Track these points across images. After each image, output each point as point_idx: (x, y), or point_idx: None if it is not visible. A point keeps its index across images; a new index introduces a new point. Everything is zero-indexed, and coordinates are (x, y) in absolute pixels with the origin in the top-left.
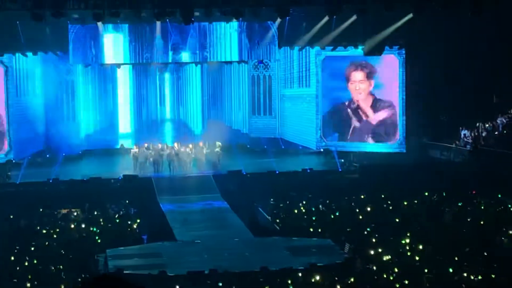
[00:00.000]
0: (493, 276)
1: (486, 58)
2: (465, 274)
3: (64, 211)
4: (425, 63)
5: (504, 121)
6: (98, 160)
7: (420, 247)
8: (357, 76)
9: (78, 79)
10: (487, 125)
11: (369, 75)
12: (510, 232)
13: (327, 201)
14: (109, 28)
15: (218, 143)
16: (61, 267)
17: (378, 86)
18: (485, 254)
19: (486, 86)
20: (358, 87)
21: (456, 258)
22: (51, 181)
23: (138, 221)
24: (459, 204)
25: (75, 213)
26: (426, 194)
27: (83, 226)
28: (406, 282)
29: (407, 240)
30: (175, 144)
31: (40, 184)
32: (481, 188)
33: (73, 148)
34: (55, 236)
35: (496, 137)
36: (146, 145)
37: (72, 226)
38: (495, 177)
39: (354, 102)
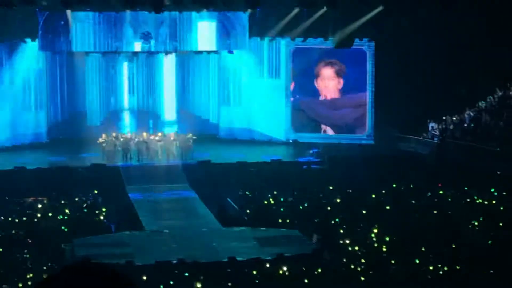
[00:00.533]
0: (458, 267)
1: (454, 52)
2: (431, 266)
3: (30, 199)
4: (395, 56)
5: (471, 114)
6: (66, 149)
7: (387, 238)
8: (327, 73)
9: (47, 67)
10: (454, 118)
11: (339, 73)
12: (476, 223)
13: (296, 192)
14: (78, 16)
15: (189, 133)
16: (27, 256)
17: (347, 78)
18: (453, 246)
19: (454, 79)
20: (327, 84)
21: (423, 250)
22: (17, 169)
23: (106, 210)
24: (427, 195)
25: (42, 202)
26: (394, 186)
27: (50, 215)
28: (373, 273)
29: (375, 232)
30: (144, 134)
31: (6, 172)
32: (448, 180)
33: (40, 136)
34: (21, 225)
35: (463, 130)
36: (114, 134)
37: (39, 215)
38: (461, 169)
39: (324, 95)
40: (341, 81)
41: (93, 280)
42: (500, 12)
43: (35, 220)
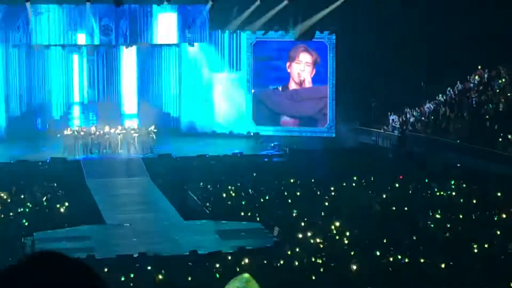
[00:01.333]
0: (420, 259)
1: (415, 45)
2: (391, 258)
3: None
4: (355, 48)
5: (432, 107)
6: (26, 143)
7: (348, 231)
8: (305, 58)
9: (6, 60)
10: (414, 111)
11: (314, 62)
12: (437, 216)
13: (257, 185)
14: (38, 8)
15: (149, 126)
16: None
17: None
18: (414, 238)
19: (415, 72)
20: (304, 68)
21: (384, 242)
22: None
23: (66, 204)
24: (388, 188)
25: (1, 196)
26: (355, 178)
27: (10, 209)
28: (334, 265)
29: (335, 224)
30: (105, 127)
31: None
32: (408, 172)
33: None
34: None
35: (423, 123)
36: (75, 127)
37: None
38: (422, 162)
39: (287, 87)
40: (314, 70)
41: (57, 271)
42: (460, 4)
43: None
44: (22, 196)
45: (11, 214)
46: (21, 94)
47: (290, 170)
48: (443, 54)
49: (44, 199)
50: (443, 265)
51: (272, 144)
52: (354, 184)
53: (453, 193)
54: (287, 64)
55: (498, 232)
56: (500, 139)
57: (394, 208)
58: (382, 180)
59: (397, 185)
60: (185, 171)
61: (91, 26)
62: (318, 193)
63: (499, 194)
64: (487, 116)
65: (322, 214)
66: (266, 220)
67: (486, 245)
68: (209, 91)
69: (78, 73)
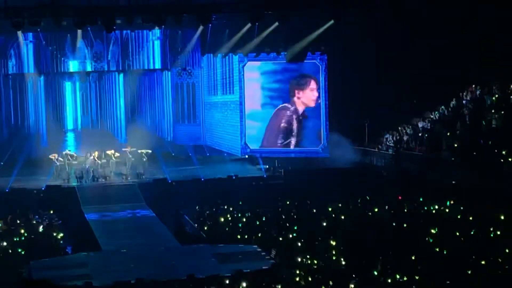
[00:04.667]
0: (417, 277)
1: (406, 64)
2: (389, 279)
3: None
4: (347, 68)
5: (425, 125)
6: (20, 170)
7: (345, 251)
8: (313, 85)
9: None
10: (408, 129)
11: (318, 87)
12: (433, 232)
13: (253, 207)
14: (30, 37)
15: (144, 151)
16: None
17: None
18: (412, 257)
19: (407, 90)
20: (313, 95)
21: (381, 262)
22: None
23: (62, 231)
24: (384, 207)
25: None
26: (350, 198)
27: (5, 238)
28: (332, 284)
29: (333, 245)
30: (98, 153)
31: None
32: (404, 191)
33: None
34: None
35: (418, 141)
36: (68, 154)
37: None
38: (417, 180)
39: (287, 107)
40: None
41: None
42: (450, 21)
43: None
44: (18, 224)
45: (5, 244)
46: (15, 122)
47: (285, 191)
48: (436, 71)
49: (40, 227)
50: (441, 283)
51: (267, 166)
52: (350, 204)
53: (449, 210)
54: (296, 92)
55: (495, 249)
56: (494, 156)
57: (391, 226)
58: (378, 199)
59: (393, 203)
60: (180, 195)
61: (83, 53)
62: (315, 213)
63: (494, 210)
64: (480, 133)
65: (319, 234)
66: (263, 242)
67: (483, 262)
68: (203, 115)
69: (71, 100)
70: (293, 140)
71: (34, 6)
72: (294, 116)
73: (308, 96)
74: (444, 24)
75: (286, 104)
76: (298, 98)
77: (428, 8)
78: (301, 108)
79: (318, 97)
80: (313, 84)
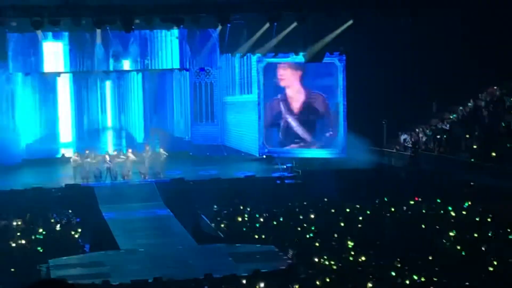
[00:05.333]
0: (434, 279)
1: (424, 64)
2: (407, 280)
3: (4, 222)
4: (365, 68)
5: (443, 126)
6: (39, 170)
7: (363, 252)
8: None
9: (18, 88)
10: (426, 130)
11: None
12: (451, 234)
13: (270, 207)
14: (49, 36)
15: (161, 151)
16: (2, 278)
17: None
18: (430, 258)
19: (425, 91)
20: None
21: (398, 262)
22: None
23: (80, 230)
24: (401, 208)
25: (16, 224)
26: (368, 199)
27: (24, 236)
28: (350, 285)
29: (350, 245)
30: (117, 152)
31: None
32: (422, 192)
33: (13, 157)
34: None
35: (436, 142)
36: (87, 153)
37: (14, 236)
38: (435, 181)
39: (294, 108)
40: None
41: None
42: (471, 24)
43: (10, 242)
44: (37, 223)
45: (24, 242)
46: (34, 121)
47: (303, 192)
48: (455, 72)
49: (58, 225)
50: (459, 284)
51: (285, 166)
52: (367, 205)
53: (467, 212)
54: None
55: None
56: None
57: (408, 227)
58: (396, 200)
59: (410, 204)
60: (198, 195)
61: (101, 52)
62: (332, 214)
63: None
64: (499, 134)
65: (336, 235)
66: (280, 242)
67: (500, 263)
68: (221, 115)
69: (90, 100)
70: (309, 140)
71: (54, 6)
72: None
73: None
74: (463, 25)
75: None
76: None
77: (446, 8)
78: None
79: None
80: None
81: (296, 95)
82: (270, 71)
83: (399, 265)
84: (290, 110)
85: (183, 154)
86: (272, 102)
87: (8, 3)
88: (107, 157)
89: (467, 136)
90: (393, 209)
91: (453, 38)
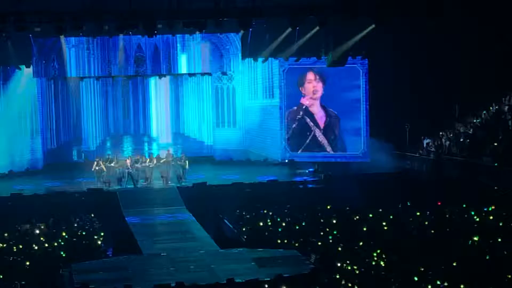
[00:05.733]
0: (459, 284)
1: (447, 68)
2: (430, 285)
3: (28, 226)
4: (388, 72)
5: (466, 130)
6: (62, 174)
7: (385, 257)
8: (310, 76)
9: (41, 93)
10: (449, 134)
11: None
12: (475, 239)
13: (293, 212)
14: (72, 41)
15: (183, 156)
16: (26, 282)
17: (341, 96)
18: (453, 264)
19: (448, 95)
20: (312, 87)
21: (421, 267)
22: (14, 196)
23: (103, 234)
24: (425, 212)
25: (39, 228)
26: (391, 203)
27: (47, 240)
28: None
29: (373, 250)
30: (139, 157)
31: (3, 199)
32: (445, 196)
33: (36, 162)
34: (19, 251)
35: (459, 146)
36: (110, 158)
37: (36, 241)
38: (459, 185)
39: (315, 112)
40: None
41: None
42: (491, 26)
43: (33, 246)
44: (60, 227)
45: (47, 246)
46: (57, 126)
47: (325, 196)
48: (477, 75)
49: (81, 230)
50: None
51: (307, 171)
52: (390, 209)
53: (491, 217)
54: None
55: None
56: None
57: (431, 232)
58: (419, 205)
59: (433, 209)
60: (220, 199)
61: (124, 57)
62: (355, 219)
63: None
64: None
65: (359, 240)
66: (303, 247)
67: None
68: (243, 119)
69: (112, 104)
70: (332, 144)
71: (76, 11)
72: (306, 116)
73: (308, 89)
74: (485, 27)
75: (293, 108)
76: (303, 95)
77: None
78: (308, 102)
79: (319, 89)
80: (310, 76)
81: (319, 101)
82: (292, 76)
83: (422, 270)
84: (312, 115)
85: (205, 158)
86: (295, 107)
87: (32, 9)
88: (130, 162)
89: (491, 140)
90: (416, 214)
91: (476, 41)
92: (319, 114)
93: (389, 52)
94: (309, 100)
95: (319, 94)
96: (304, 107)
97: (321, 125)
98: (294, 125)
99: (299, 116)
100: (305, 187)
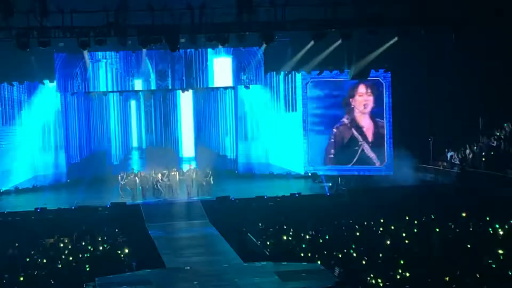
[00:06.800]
0: None
1: (470, 80)
2: None
3: (52, 240)
4: (411, 85)
5: (490, 142)
6: (86, 188)
7: (410, 270)
8: (361, 89)
9: (65, 107)
10: (474, 147)
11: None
12: (499, 252)
13: (316, 225)
14: (95, 56)
15: (207, 169)
16: None
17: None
18: (477, 276)
19: (472, 107)
20: (363, 100)
21: (446, 280)
22: (38, 210)
23: (127, 248)
24: (449, 225)
25: (63, 242)
26: (415, 216)
27: (71, 254)
28: None
29: (397, 263)
30: (163, 171)
31: (27, 213)
32: (469, 209)
33: (60, 176)
34: (43, 265)
35: (483, 158)
36: (133, 172)
37: (61, 255)
38: (483, 198)
39: (364, 125)
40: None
41: None
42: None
43: (57, 260)
44: (84, 241)
45: (71, 260)
46: (80, 141)
47: (349, 209)
48: (500, 88)
49: (105, 244)
50: None
51: (330, 184)
52: (415, 222)
53: None
54: (349, 100)
55: None
56: None
57: (456, 245)
58: (443, 217)
59: (457, 222)
60: (243, 213)
61: (147, 71)
62: (379, 232)
63: None
64: None
65: (383, 253)
66: (327, 260)
67: None
68: (266, 132)
69: (135, 118)
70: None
71: (100, 26)
72: (353, 129)
73: (358, 101)
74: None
75: (343, 120)
76: (353, 106)
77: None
78: (358, 115)
79: (371, 103)
80: (361, 89)
81: (363, 101)
82: (315, 89)
83: (446, 283)
84: (361, 128)
85: (229, 172)
86: (317, 119)
87: (56, 24)
88: (153, 176)
89: None
90: (440, 227)
91: (498, 54)
92: (367, 127)
93: (412, 65)
94: (358, 113)
95: (369, 107)
96: (350, 120)
97: (370, 138)
98: (339, 139)
99: (345, 129)
100: (328, 201)
